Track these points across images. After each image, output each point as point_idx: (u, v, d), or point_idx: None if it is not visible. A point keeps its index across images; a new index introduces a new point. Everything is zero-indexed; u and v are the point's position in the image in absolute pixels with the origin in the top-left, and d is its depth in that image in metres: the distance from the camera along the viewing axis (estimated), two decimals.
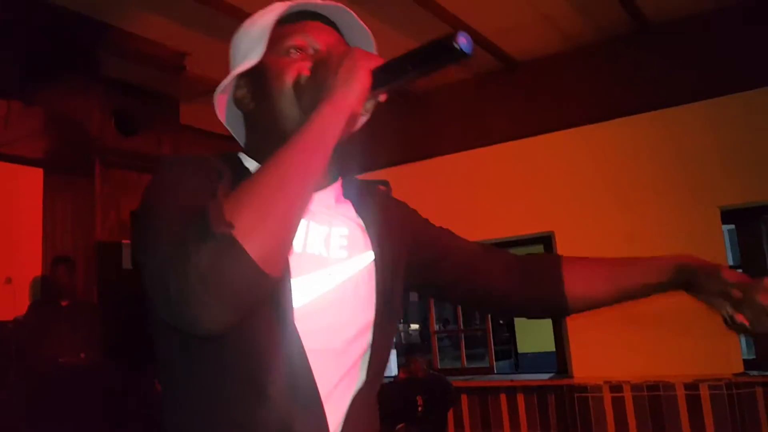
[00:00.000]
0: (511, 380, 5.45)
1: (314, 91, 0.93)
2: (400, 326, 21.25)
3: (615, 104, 4.84)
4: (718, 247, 4.56)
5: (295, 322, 0.89)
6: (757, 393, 4.30)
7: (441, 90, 5.65)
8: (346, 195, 1.07)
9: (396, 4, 4.28)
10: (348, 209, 1.06)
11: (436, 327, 6.55)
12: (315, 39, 1.01)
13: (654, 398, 4.49)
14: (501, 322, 14.99)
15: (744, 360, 4.50)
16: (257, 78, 1.01)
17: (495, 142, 5.30)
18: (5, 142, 4.89)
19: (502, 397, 5.22)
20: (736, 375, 4.35)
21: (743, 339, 4.75)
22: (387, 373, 6.08)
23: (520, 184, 5.21)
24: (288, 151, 0.83)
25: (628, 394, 4.56)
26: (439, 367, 6.02)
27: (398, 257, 1.07)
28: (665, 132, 4.66)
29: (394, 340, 1.09)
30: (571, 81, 5.12)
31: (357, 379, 0.97)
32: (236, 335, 0.83)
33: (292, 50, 1.00)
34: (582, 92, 5.05)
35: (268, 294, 0.82)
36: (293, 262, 0.90)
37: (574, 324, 5.01)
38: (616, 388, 4.62)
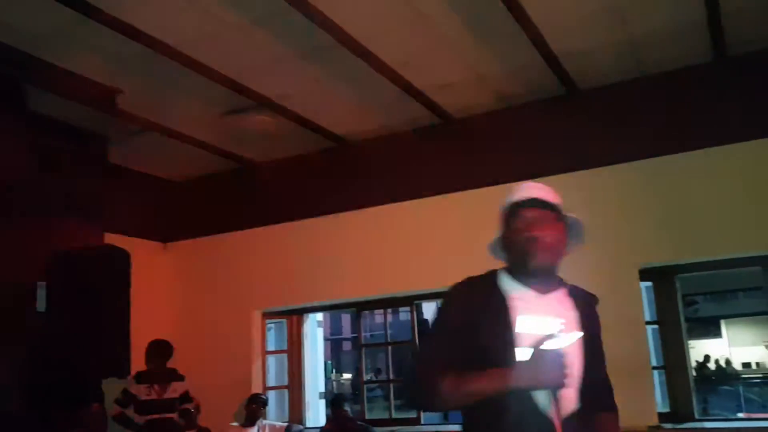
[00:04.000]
0: (437, 431, 5.44)
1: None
2: (332, 375, 20.94)
3: (542, 163, 5.02)
4: (636, 303, 4.74)
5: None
6: None
7: (377, 141, 5.75)
8: (571, 295, 1.88)
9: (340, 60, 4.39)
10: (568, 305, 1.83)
11: (366, 377, 6.48)
12: (528, 224, 1.81)
13: None
14: None
15: (659, 413, 4.64)
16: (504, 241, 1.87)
17: (426, 195, 5.40)
18: None
19: None
20: (650, 428, 4.47)
21: (658, 391, 4.90)
22: (314, 424, 5.98)
23: (436, 239, 5.30)
24: (474, 384, 1.62)
25: None
26: (366, 417, 5.94)
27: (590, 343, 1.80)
28: (587, 191, 4.86)
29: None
30: (501, 138, 5.29)
31: None
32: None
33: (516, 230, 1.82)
34: (511, 149, 5.21)
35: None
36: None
37: None
38: None
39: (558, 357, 1.57)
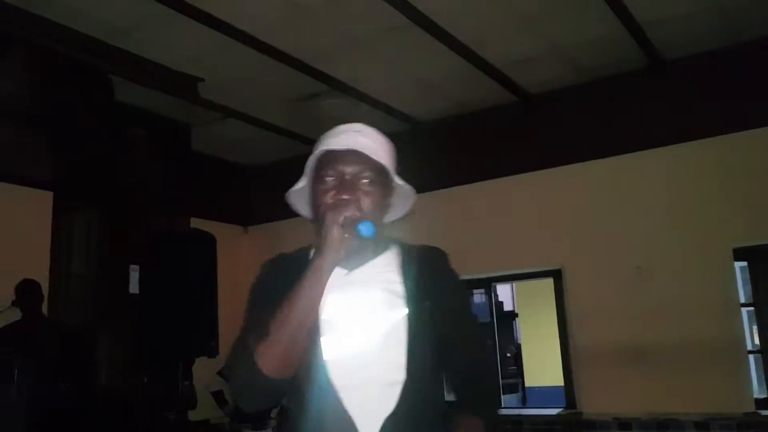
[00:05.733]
0: (519, 414, 5.37)
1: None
2: None
3: (627, 139, 4.84)
4: (730, 284, 4.52)
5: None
6: None
7: (453, 121, 5.67)
8: (400, 260, 1.43)
9: (413, 40, 4.33)
10: (393, 274, 1.40)
11: None
12: (332, 169, 1.37)
13: None
14: (508, 355, 14.80)
15: (755, 399, 4.42)
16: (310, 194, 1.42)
17: (510, 174, 5.30)
18: (15, 165, 4.92)
19: (510, 431, 5.14)
20: (746, 414, 4.26)
21: (755, 377, 4.66)
22: None
23: (531, 218, 5.19)
24: (288, 306, 1.25)
25: (636, 431, 4.48)
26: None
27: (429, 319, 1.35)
28: (678, 168, 4.65)
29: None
30: (583, 115, 5.13)
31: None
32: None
33: (321, 180, 1.38)
34: (594, 126, 5.05)
35: (278, 390, 1.30)
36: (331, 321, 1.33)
37: (582, 359, 4.96)
38: (625, 424, 4.54)
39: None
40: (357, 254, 1.36)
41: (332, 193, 1.35)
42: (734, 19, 4.34)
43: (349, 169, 1.36)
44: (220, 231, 5.64)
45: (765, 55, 4.51)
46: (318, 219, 1.35)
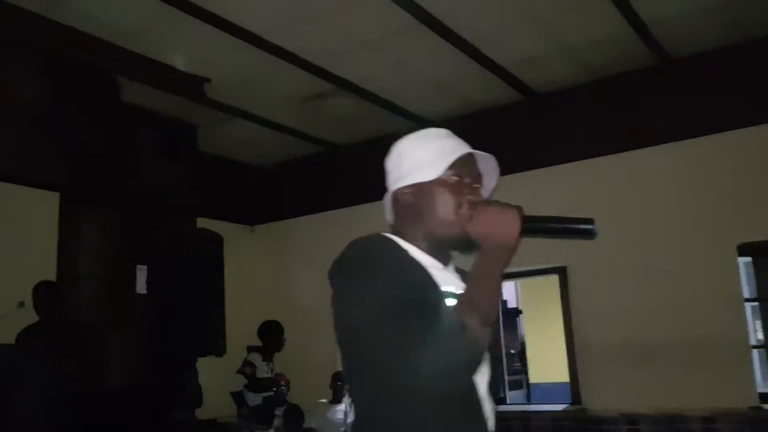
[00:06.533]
0: (524, 410, 5.40)
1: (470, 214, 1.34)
2: None
3: (632, 137, 4.86)
4: (734, 280, 4.54)
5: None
6: None
7: (461, 120, 5.70)
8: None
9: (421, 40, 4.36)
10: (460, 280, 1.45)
11: None
12: (470, 173, 1.43)
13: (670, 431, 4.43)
14: (512, 351, 14.81)
15: (759, 393, 4.44)
16: (425, 187, 1.41)
17: (516, 171, 5.31)
18: (23, 167, 4.95)
19: (516, 426, 5.17)
20: (751, 408, 4.29)
21: (759, 372, 4.68)
22: None
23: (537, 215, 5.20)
24: (487, 289, 1.27)
25: (643, 427, 4.50)
26: None
27: None
28: (683, 165, 4.67)
29: None
30: (589, 113, 5.14)
31: None
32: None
33: (455, 178, 1.40)
34: (600, 124, 5.07)
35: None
36: None
37: (587, 355, 4.98)
38: (632, 420, 4.57)
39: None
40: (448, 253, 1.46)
41: (474, 191, 1.43)
42: (740, 17, 4.35)
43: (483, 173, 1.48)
44: (227, 230, 5.68)
45: None
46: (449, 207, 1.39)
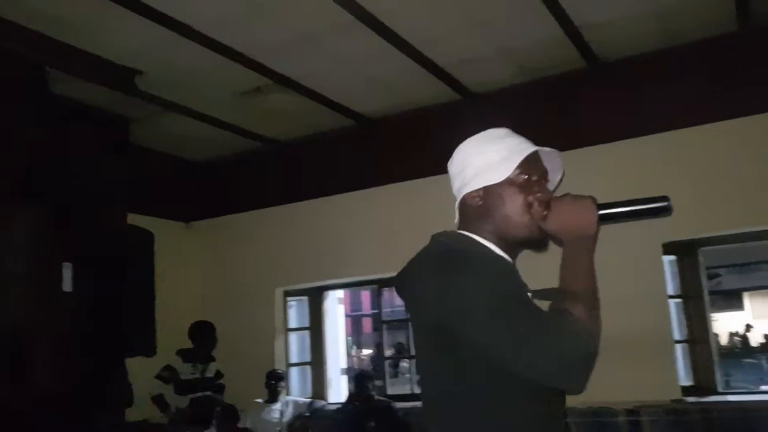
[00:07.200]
0: None
1: (544, 212, 1.40)
2: (353, 351, 21.12)
3: (565, 138, 4.97)
4: (659, 278, 4.72)
5: None
6: (695, 419, 4.43)
7: (400, 118, 5.72)
8: None
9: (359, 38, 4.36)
10: None
11: (388, 352, 6.52)
12: (538, 171, 1.46)
13: (597, 424, 4.57)
14: None
15: (682, 387, 4.63)
16: (493, 189, 1.42)
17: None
18: None
19: None
20: (674, 401, 4.47)
21: (681, 366, 4.89)
22: (336, 399, 6.06)
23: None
24: (585, 281, 1.37)
25: (571, 419, 4.64)
26: (388, 393, 6.01)
27: None
28: (611, 165, 4.81)
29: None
30: (524, 113, 5.21)
31: None
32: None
33: (523, 177, 1.42)
34: (533, 124, 5.13)
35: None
36: None
37: None
38: None
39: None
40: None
41: (543, 188, 1.46)
42: (667, 25, 4.51)
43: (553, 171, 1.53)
44: (161, 227, 5.56)
45: (700, 58, 4.72)
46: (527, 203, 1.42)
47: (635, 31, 4.57)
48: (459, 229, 1.47)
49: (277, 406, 5.48)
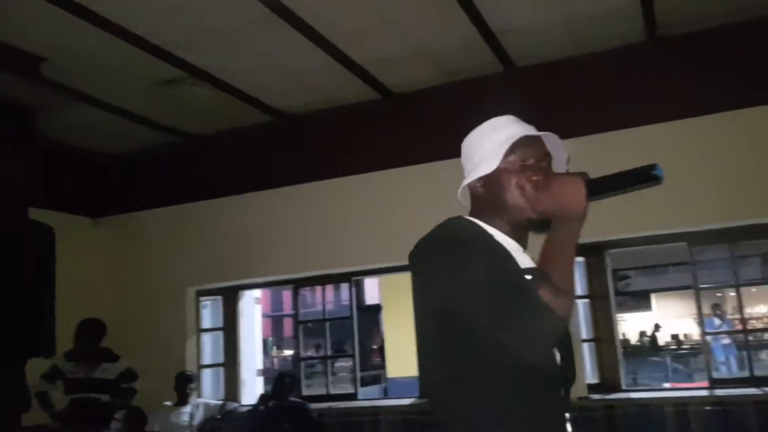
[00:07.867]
0: (374, 405, 5.49)
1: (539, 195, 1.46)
2: (273, 352, 20.89)
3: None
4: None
5: None
6: (599, 416, 4.60)
7: (318, 115, 5.67)
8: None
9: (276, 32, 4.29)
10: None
11: (306, 353, 6.45)
12: (533, 154, 1.52)
13: None
14: (374, 347, 15.03)
15: (588, 384, 4.79)
16: (491, 177, 1.52)
17: (365, 171, 5.38)
18: None
19: (366, 421, 5.24)
20: (580, 398, 4.62)
21: (587, 364, 5.06)
22: (251, 401, 5.92)
23: (388, 213, 5.30)
24: (560, 262, 1.39)
25: None
26: (303, 393, 5.94)
27: None
28: None
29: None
30: (441, 114, 5.28)
31: None
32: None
33: (518, 162, 1.51)
34: (450, 126, 5.20)
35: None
36: None
37: None
38: None
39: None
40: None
41: (538, 170, 1.51)
42: (577, 33, 4.66)
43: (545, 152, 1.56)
44: (65, 222, 5.30)
45: (608, 66, 4.89)
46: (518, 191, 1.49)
47: (547, 39, 4.70)
48: (470, 214, 1.57)
49: (187, 408, 5.32)
